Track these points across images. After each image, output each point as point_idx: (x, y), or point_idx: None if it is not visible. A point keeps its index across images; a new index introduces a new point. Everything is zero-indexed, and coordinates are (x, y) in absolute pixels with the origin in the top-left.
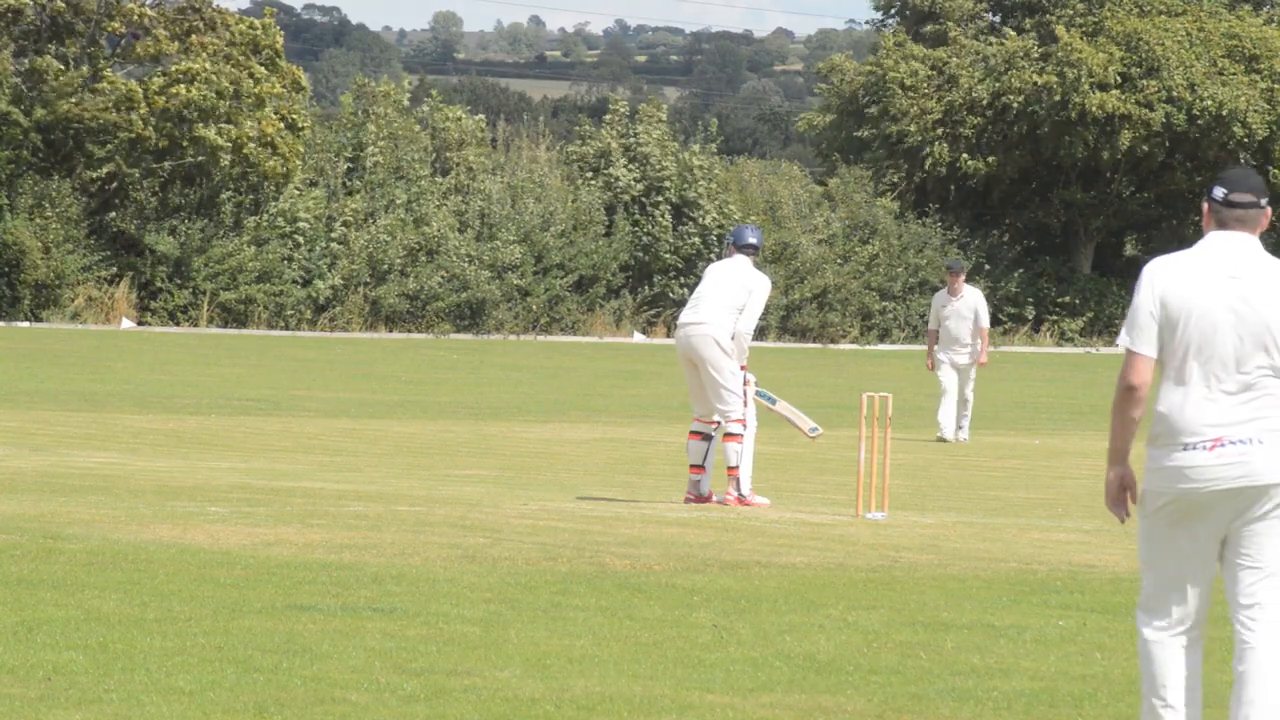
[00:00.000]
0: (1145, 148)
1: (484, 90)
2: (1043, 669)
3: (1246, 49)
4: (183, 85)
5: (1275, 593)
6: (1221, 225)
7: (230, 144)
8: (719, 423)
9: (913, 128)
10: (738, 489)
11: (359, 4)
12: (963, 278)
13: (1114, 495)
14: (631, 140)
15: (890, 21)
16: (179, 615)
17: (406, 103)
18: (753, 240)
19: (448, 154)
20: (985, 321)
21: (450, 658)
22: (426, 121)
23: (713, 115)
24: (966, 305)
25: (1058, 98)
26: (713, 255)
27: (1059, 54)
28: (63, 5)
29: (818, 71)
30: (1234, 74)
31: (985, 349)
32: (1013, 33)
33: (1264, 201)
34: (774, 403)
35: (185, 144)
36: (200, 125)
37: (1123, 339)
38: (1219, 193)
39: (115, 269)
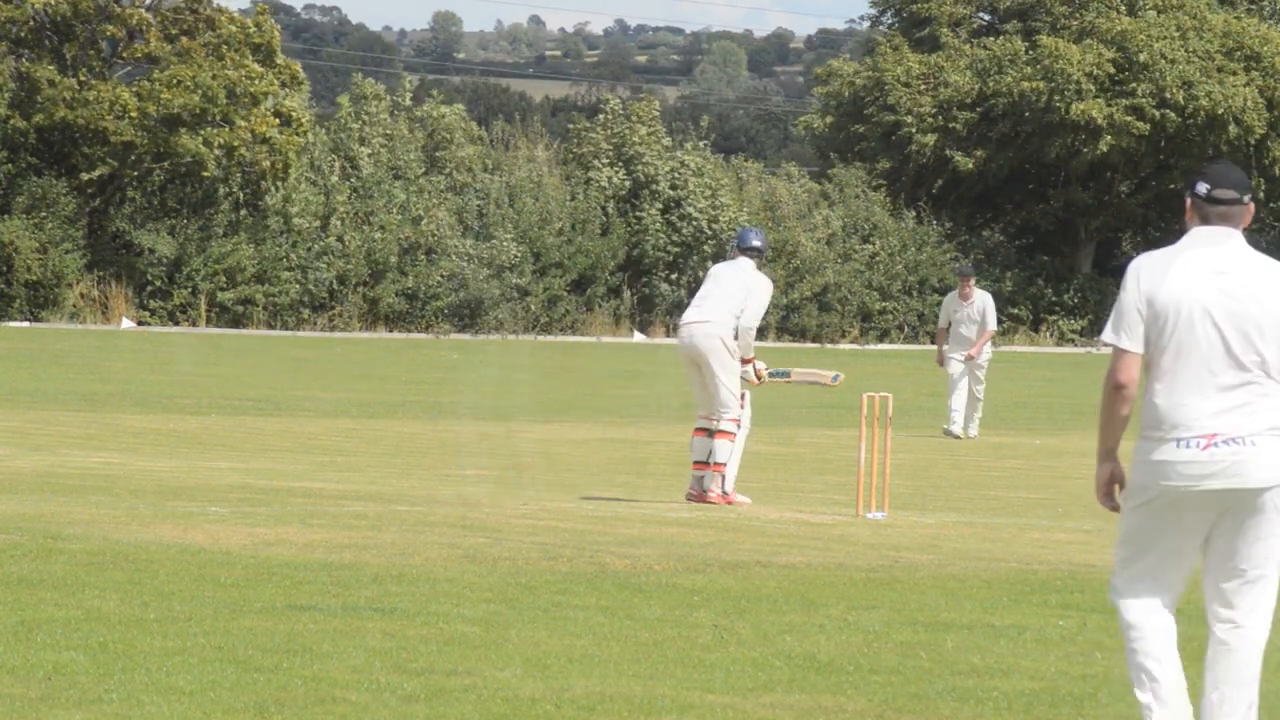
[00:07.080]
0: (1125, 155)
1: (484, 90)
2: (1043, 669)
3: (1246, 46)
4: (170, 89)
5: (1257, 598)
6: (1205, 220)
7: (219, 149)
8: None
9: (908, 120)
10: (722, 486)
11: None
12: (972, 282)
13: (1104, 491)
14: (619, 139)
15: (887, 16)
16: (179, 615)
17: (408, 101)
18: (756, 243)
19: (439, 153)
20: (991, 324)
21: (450, 658)
22: (425, 121)
23: (705, 114)
24: (975, 309)
25: (1042, 103)
26: (706, 250)
27: (1045, 60)
28: (67, 9)
29: (817, 76)
30: (1232, 71)
31: (980, 345)
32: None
33: (1247, 197)
34: (788, 376)
35: (169, 150)
36: (184, 133)
37: (1109, 336)
38: (1202, 188)
39: (113, 269)
